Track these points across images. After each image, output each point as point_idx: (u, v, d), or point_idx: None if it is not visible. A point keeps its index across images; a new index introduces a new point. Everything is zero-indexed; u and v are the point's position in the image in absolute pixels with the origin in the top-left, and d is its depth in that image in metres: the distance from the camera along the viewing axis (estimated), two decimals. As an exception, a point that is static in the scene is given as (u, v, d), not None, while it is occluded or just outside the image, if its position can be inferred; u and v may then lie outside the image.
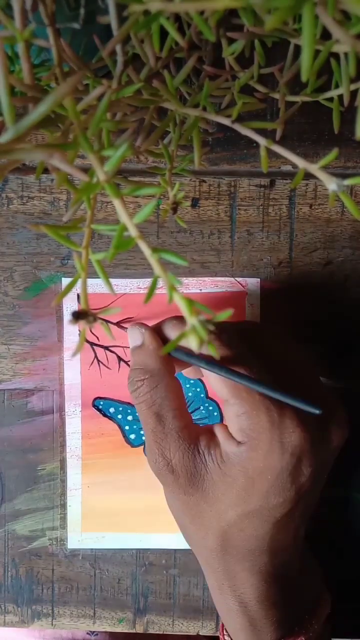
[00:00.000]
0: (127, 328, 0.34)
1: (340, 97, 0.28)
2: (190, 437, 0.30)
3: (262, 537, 0.30)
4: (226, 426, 0.31)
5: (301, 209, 0.38)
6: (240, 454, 0.29)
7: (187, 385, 0.39)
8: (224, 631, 0.35)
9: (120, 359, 0.39)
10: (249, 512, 0.29)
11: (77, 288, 0.38)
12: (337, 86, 0.28)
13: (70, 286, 0.22)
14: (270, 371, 0.29)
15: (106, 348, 0.39)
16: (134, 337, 0.32)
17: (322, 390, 0.32)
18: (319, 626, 0.33)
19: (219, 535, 0.30)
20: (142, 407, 0.31)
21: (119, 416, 0.40)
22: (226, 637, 0.35)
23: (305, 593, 0.34)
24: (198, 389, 0.39)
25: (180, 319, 0.31)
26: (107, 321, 0.39)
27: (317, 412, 0.27)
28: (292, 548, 0.32)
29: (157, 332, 0.31)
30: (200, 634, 0.41)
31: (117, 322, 0.39)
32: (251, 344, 0.30)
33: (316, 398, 0.30)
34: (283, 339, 0.34)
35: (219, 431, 0.30)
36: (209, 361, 0.29)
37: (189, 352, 0.30)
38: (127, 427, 0.40)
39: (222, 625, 0.35)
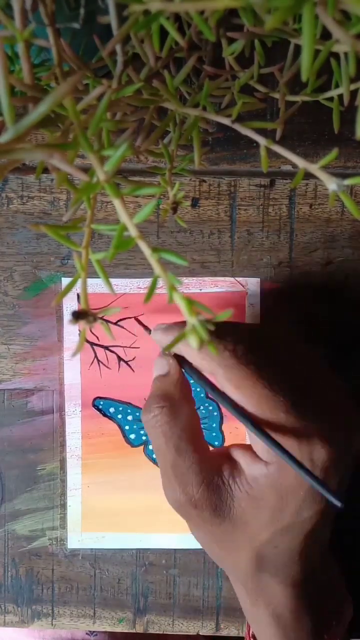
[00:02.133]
0: (149, 329, 0.34)
1: (340, 97, 0.28)
2: (212, 469, 0.29)
3: (294, 549, 0.30)
4: (245, 448, 0.30)
5: (301, 208, 0.38)
6: (270, 475, 0.28)
7: (187, 385, 0.39)
8: (251, 638, 0.35)
9: (120, 358, 0.39)
10: (281, 529, 0.29)
11: (77, 288, 0.38)
12: (337, 86, 0.27)
13: (70, 286, 0.22)
14: (292, 390, 0.28)
15: (106, 348, 0.39)
16: (160, 366, 0.31)
17: (344, 398, 0.31)
18: (344, 631, 0.33)
19: (252, 557, 0.30)
20: (160, 438, 0.30)
21: (119, 416, 0.40)
22: None
23: (331, 597, 0.34)
24: (198, 389, 0.39)
25: (180, 325, 0.31)
26: (107, 321, 0.39)
27: (338, 505, 0.27)
28: (319, 554, 0.32)
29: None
30: (200, 634, 0.41)
31: (117, 322, 0.39)
32: (266, 352, 0.29)
33: (338, 407, 0.29)
34: (298, 346, 0.33)
35: (239, 455, 0.30)
36: (233, 405, 0.28)
37: (212, 387, 0.29)
38: (127, 427, 0.40)
39: (250, 631, 0.35)
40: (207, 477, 0.29)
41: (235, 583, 0.33)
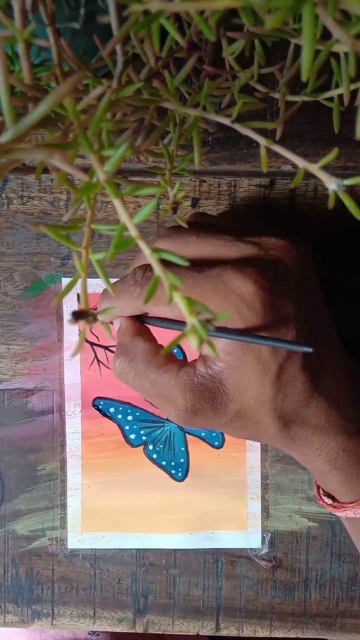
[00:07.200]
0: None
1: (340, 97, 0.28)
2: (188, 375, 0.30)
3: (304, 388, 0.30)
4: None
5: (301, 209, 0.38)
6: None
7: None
8: (320, 492, 0.35)
9: (120, 359, 0.39)
10: (275, 376, 0.29)
11: (77, 288, 0.38)
12: (337, 86, 0.27)
13: (70, 286, 0.22)
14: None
15: (106, 348, 0.39)
16: (116, 326, 0.33)
17: (259, 226, 0.32)
18: None
19: (275, 418, 0.30)
20: (134, 382, 0.31)
21: (119, 416, 0.40)
22: (324, 497, 0.34)
23: None
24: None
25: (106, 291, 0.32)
26: (107, 321, 0.39)
27: (309, 350, 0.26)
28: (337, 378, 0.31)
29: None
30: (200, 634, 0.41)
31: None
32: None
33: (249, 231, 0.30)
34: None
35: (203, 348, 0.30)
36: (182, 324, 0.29)
37: (162, 319, 0.31)
38: (127, 427, 0.40)
39: (317, 486, 0.35)
40: (188, 382, 0.30)
41: (285, 450, 0.33)
